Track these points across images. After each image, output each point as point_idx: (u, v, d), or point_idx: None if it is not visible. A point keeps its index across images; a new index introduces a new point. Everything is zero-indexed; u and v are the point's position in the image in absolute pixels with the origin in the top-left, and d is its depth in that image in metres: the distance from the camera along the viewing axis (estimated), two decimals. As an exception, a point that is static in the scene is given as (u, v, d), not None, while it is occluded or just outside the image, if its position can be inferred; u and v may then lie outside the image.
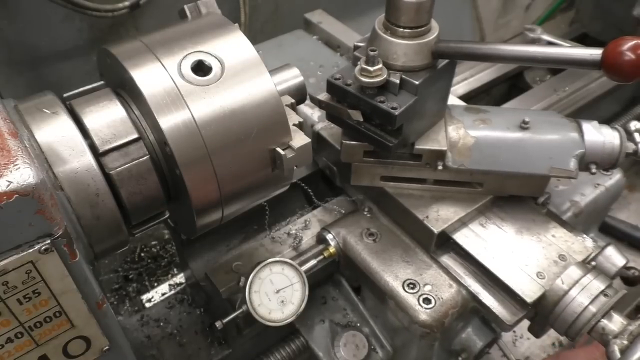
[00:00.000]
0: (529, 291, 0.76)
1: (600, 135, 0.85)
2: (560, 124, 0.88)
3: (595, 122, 0.88)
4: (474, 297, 0.80)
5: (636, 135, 0.87)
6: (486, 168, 0.83)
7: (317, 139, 0.96)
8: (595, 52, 0.64)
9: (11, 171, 0.44)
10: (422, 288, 0.80)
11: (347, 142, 0.84)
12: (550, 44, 1.92)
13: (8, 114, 0.52)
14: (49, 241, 0.48)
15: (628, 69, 0.60)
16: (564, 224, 0.87)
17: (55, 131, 0.56)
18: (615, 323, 0.73)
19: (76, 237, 0.53)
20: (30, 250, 0.47)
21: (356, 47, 0.81)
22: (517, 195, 0.88)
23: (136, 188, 0.60)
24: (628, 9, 1.86)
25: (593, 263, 0.81)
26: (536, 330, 0.83)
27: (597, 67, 0.64)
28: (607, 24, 2.14)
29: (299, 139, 0.67)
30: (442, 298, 0.79)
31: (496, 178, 0.85)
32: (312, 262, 0.85)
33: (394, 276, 0.82)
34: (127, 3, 1.24)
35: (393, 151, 0.79)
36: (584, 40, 2.21)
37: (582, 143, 0.84)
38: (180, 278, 1.21)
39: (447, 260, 0.85)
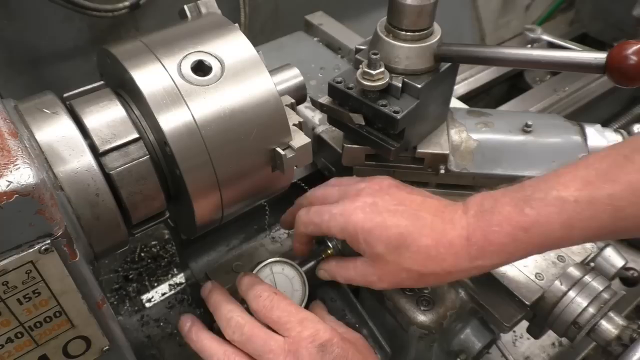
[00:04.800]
0: (528, 292, 0.76)
1: (603, 139, 0.85)
2: (563, 127, 0.88)
3: (598, 126, 0.88)
4: (472, 298, 0.80)
5: (639, 138, 0.87)
6: (488, 172, 0.83)
7: (318, 142, 0.96)
8: (599, 56, 0.64)
9: (11, 171, 0.44)
10: (420, 289, 0.81)
11: (349, 145, 0.84)
12: (550, 44, 1.92)
13: (8, 114, 0.52)
14: (49, 241, 0.48)
15: (633, 73, 0.60)
16: (563, 225, 0.87)
17: (55, 131, 0.56)
18: (614, 324, 0.73)
19: (76, 237, 0.53)
20: (30, 250, 0.47)
21: (358, 50, 0.81)
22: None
23: (136, 188, 0.60)
24: (628, 9, 1.87)
25: (592, 264, 0.81)
26: (535, 332, 0.83)
27: (601, 71, 0.63)
28: (607, 24, 2.14)
29: (299, 139, 0.67)
30: (440, 299, 0.79)
31: (499, 182, 0.85)
32: (313, 262, 0.85)
33: (393, 277, 0.82)
34: (127, 3, 1.24)
35: (395, 155, 0.79)
36: (584, 40, 2.22)
37: (585, 147, 0.84)
38: (180, 278, 1.21)
39: (446, 261, 0.85)
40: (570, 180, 0.61)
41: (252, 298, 0.72)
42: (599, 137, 0.85)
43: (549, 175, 0.63)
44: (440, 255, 0.65)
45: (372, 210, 0.69)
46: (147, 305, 1.14)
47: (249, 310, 0.72)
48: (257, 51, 0.66)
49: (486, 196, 0.66)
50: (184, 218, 0.69)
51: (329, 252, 0.86)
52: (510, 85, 2.03)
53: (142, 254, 1.26)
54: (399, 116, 0.73)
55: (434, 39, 0.75)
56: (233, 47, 0.65)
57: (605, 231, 0.60)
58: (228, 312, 0.71)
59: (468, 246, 0.64)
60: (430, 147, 0.84)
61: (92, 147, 0.57)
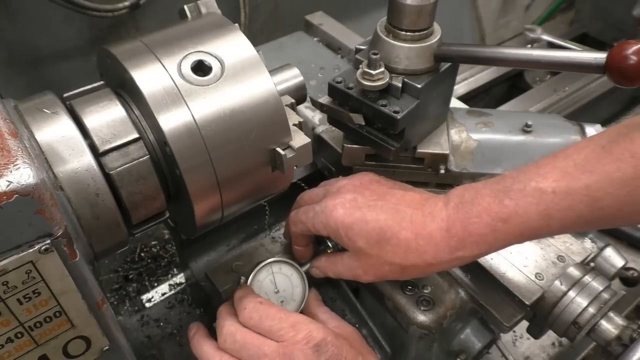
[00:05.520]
0: (528, 292, 0.76)
1: (602, 138, 0.85)
2: (563, 127, 0.88)
3: (598, 126, 0.88)
4: (472, 298, 0.80)
5: (638, 138, 0.87)
6: (488, 172, 0.83)
7: (318, 142, 0.96)
8: (599, 56, 0.63)
9: (11, 171, 0.44)
10: (420, 290, 0.81)
11: (349, 145, 0.84)
12: (550, 44, 1.92)
13: (8, 114, 0.52)
14: (49, 241, 0.48)
15: (633, 73, 0.60)
16: (563, 225, 0.87)
17: (55, 131, 0.56)
18: (614, 324, 0.73)
19: (76, 237, 0.53)
20: (30, 250, 0.47)
21: (358, 50, 0.81)
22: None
23: (136, 188, 0.60)
24: (628, 9, 1.87)
25: (592, 264, 0.81)
26: (535, 332, 0.83)
27: (601, 71, 0.63)
28: (607, 24, 2.15)
29: (299, 139, 0.67)
30: (440, 299, 0.80)
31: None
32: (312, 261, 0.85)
33: (393, 277, 0.82)
34: (127, 3, 1.24)
35: (395, 155, 0.79)
36: (584, 40, 2.22)
37: (584, 146, 0.84)
38: (180, 278, 1.21)
39: (446, 261, 0.85)
40: (549, 172, 0.61)
41: (239, 312, 0.72)
42: (599, 137, 0.85)
43: (529, 167, 0.64)
44: (420, 247, 0.66)
45: (352, 205, 0.71)
46: (147, 305, 1.14)
47: None
48: (257, 51, 0.66)
49: (467, 188, 0.67)
50: (184, 218, 0.69)
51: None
52: (510, 85, 2.03)
53: (142, 254, 1.27)
54: (399, 116, 0.73)
55: (434, 39, 0.75)
56: (233, 47, 0.65)
57: (583, 221, 0.61)
58: (222, 321, 0.72)
59: (448, 238, 0.65)
60: (430, 147, 0.84)
61: (92, 147, 0.57)
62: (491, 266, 0.79)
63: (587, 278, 0.76)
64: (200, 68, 0.63)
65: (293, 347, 0.66)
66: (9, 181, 0.44)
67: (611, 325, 0.73)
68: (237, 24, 0.68)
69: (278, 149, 0.65)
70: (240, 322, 0.71)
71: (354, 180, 0.76)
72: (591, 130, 0.87)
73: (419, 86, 0.74)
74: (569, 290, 0.75)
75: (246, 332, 0.69)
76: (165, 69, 0.61)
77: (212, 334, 0.75)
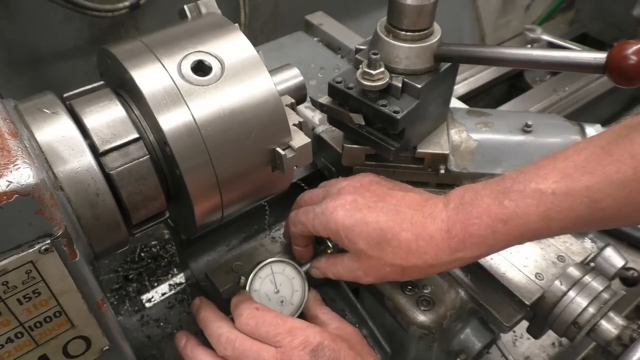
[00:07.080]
0: (528, 292, 0.76)
1: (602, 138, 0.85)
2: (563, 127, 0.89)
3: (598, 126, 0.88)
4: (472, 298, 0.80)
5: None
6: (488, 172, 0.83)
7: (318, 142, 0.96)
8: (599, 56, 0.63)
9: (11, 171, 0.44)
10: (420, 290, 0.81)
11: (349, 145, 0.84)
12: (550, 44, 1.93)
13: (8, 114, 0.52)
14: (49, 241, 0.48)
15: (633, 73, 0.60)
16: (563, 225, 0.87)
17: (55, 131, 0.56)
18: (614, 324, 0.73)
19: (76, 237, 0.53)
20: (30, 250, 0.47)
21: (358, 50, 0.81)
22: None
23: (136, 188, 0.60)
24: (628, 9, 1.88)
25: (592, 264, 0.81)
26: (535, 332, 0.83)
27: (601, 71, 0.63)
28: (607, 24, 2.15)
29: (299, 139, 0.67)
30: (440, 299, 0.80)
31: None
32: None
33: (393, 277, 0.82)
34: (127, 3, 1.24)
35: (395, 155, 0.79)
36: (584, 40, 2.22)
37: (584, 146, 0.84)
38: (180, 278, 1.21)
39: (446, 261, 0.85)
40: (549, 173, 0.61)
41: (235, 318, 0.72)
42: (598, 137, 0.85)
43: (529, 168, 0.64)
44: (421, 248, 0.66)
45: (352, 207, 0.71)
46: (147, 305, 1.14)
47: None
48: (257, 51, 0.66)
49: (467, 189, 0.67)
50: (184, 218, 0.69)
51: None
52: (510, 85, 2.03)
53: (142, 254, 1.27)
54: (399, 116, 0.73)
55: (434, 39, 0.75)
56: (233, 47, 0.65)
57: (583, 222, 0.61)
58: (217, 329, 0.72)
59: (448, 239, 0.65)
60: (430, 147, 0.84)
61: (92, 147, 0.57)
62: (491, 266, 0.79)
63: (587, 278, 0.76)
64: (200, 68, 0.63)
65: (291, 353, 0.66)
66: (9, 181, 0.44)
67: (611, 325, 0.73)
68: (237, 24, 0.68)
69: (278, 149, 0.65)
70: (238, 329, 0.71)
71: (354, 182, 0.76)
72: (591, 130, 0.87)
73: (419, 86, 0.75)
74: (569, 290, 0.75)
75: (245, 339, 0.69)
76: (165, 69, 0.61)
77: (201, 339, 0.75)
